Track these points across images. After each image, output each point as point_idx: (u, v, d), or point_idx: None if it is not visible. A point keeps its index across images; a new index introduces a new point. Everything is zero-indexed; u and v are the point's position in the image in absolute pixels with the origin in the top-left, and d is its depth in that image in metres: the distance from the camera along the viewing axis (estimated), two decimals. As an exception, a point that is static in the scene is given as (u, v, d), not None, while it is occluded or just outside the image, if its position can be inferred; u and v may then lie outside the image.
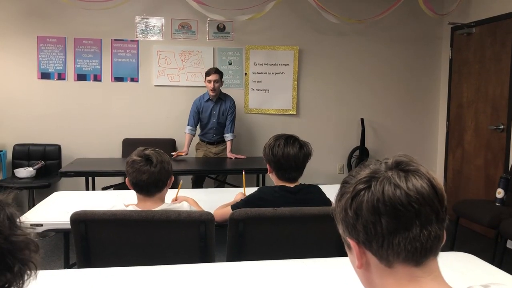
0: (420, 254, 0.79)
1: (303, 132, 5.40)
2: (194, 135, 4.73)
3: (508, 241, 3.69)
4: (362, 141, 5.39)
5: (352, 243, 0.83)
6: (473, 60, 4.98)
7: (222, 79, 4.64)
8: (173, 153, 4.54)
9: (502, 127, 4.53)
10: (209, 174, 4.77)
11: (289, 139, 2.17)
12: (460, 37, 5.17)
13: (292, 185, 2.16)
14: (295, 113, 5.38)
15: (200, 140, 4.83)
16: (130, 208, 2.01)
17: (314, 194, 2.16)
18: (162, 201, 2.07)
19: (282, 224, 1.96)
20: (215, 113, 4.69)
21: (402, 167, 0.82)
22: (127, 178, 2.03)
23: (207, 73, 4.57)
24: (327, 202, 2.17)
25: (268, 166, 2.23)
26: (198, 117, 4.70)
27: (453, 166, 5.32)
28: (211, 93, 4.59)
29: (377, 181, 0.79)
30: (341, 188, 0.87)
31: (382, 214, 0.77)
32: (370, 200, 0.78)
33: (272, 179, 2.24)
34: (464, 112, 5.12)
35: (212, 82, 4.51)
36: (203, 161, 4.64)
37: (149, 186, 1.99)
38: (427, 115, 5.65)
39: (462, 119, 5.16)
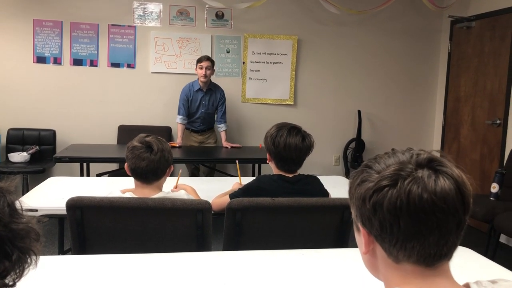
0: (433, 259, 0.76)
1: (299, 122, 5.32)
2: (185, 124, 4.67)
3: (501, 235, 3.71)
4: (358, 133, 5.38)
5: (362, 231, 0.80)
6: (472, 54, 4.96)
7: (214, 68, 4.59)
8: (171, 142, 4.51)
9: (498, 122, 4.53)
10: (204, 163, 4.75)
11: (292, 130, 2.11)
12: (459, 31, 5.15)
13: (291, 175, 2.13)
14: (292, 103, 5.36)
15: (186, 128, 4.76)
16: (127, 194, 1.99)
17: (313, 185, 2.15)
18: (160, 189, 2.05)
19: (280, 214, 1.95)
20: (204, 103, 4.63)
21: (434, 166, 0.76)
22: (126, 163, 2.01)
23: (199, 60, 4.50)
24: (325, 193, 2.16)
25: (268, 155, 2.18)
26: (188, 106, 4.63)
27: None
28: (203, 80, 4.51)
29: (404, 180, 0.74)
30: (361, 172, 0.81)
31: (403, 216, 0.73)
32: (393, 200, 0.73)
33: (271, 167, 2.20)
34: (461, 106, 5.12)
35: (204, 69, 4.43)
36: (198, 150, 4.62)
37: (147, 174, 1.97)
38: (424, 108, 5.65)
39: (459, 113, 5.16)
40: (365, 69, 5.48)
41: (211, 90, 4.66)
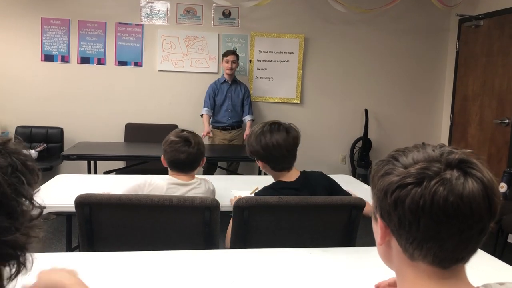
0: (449, 262, 0.73)
1: (306, 121, 5.38)
2: (211, 116, 4.78)
3: (510, 235, 3.68)
4: (365, 132, 5.37)
5: (380, 223, 0.78)
6: (480, 53, 4.93)
7: (238, 62, 4.79)
8: (202, 134, 4.56)
9: (507, 121, 4.51)
10: (225, 160, 4.79)
11: (273, 126, 2.00)
12: (467, 30, 5.12)
13: (292, 178, 2.02)
14: (299, 102, 5.36)
15: (213, 127, 4.82)
16: (167, 178, 2.12)
17: (319, 188, 2.05)
18: (194, 177, 2.19)
19: (287, 212, 1.95)
20: (230, 95, 4.78)
21: (464, 168, 0.73)
22: (163, 156, 2.17)
23: (225, 54, 4.71)
24: (333, 191, 2.08)
25: (259, 162, 2.05)
26: (213, 100, 4.77)
27: (455, 159, 5.31)
28: (228, 72, 4.71)
29: (430, 180, 0.70)
30: (387, 162, 0.78)
31: (423, 217, 0.70)
32: (416, 199, 0.70)
33: (268, 173, 2.10)
34: (469, 105, 5.09)
35: (230, 63, 4.67)
36: (218, 148, 4.63)
37: (185, 165, 2.14)
38: (431, 107, 5.62)
39: (466, 112, 5.14)
40: (372, 67, 5.46)
41: (236, 82, 4.85)
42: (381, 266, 1.68)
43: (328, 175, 2.18)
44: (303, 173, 2.07)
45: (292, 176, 2.04)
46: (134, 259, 1.63)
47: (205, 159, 2.24)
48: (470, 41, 5.10)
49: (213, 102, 4.79)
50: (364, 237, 2.70)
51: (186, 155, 2.11)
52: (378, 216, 0.78)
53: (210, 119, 4.80)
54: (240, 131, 4.84)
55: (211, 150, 4.57)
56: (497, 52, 4.68)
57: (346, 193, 2.12)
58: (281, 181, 2.03)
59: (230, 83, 4.79)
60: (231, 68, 4.69)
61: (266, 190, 2.01)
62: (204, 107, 4.79)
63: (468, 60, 5.13)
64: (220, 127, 4.80)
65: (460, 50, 5.28)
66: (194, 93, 5.12)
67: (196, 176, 2.22)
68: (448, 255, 0.72)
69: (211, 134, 4.67)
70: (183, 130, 2.22)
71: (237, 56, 4.75)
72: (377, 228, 0.80)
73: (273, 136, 1.96)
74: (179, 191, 2.08)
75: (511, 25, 4.49)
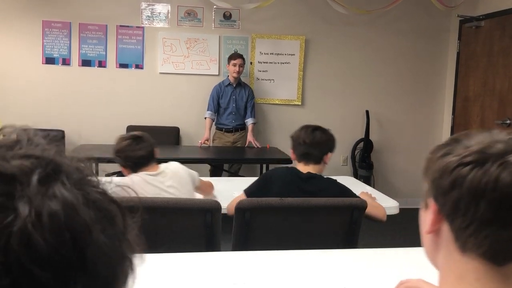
0: (504, 257, 0.66)
1: (307, 122, 5.32)
2: (214, 120, 4.79)
3: None
4: (366, 133, 5.36)
5: (433, 206, 0.72)
6: (481, 53, 4.93)
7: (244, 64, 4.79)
8: (200, 141, 4.62)
9: (508, 122, 4.50)
10: (224, 163, 4.78)
11: (310, 127, 2.35)
12: (468, 30, 5.12)
13: (305, 171, 2.21)
14: (300, 103, 5.36)
15: (217, 129, 4.84)
16: (141, 175, 2.19)
17: (327, 192, 2.11)
18: (158, 166, 2.29)
19: (289, 214, 1.95)
20: (234, 98, 4.77)
21: None
22: (122, 166, 2.28)
23: (232, 57, 4.69)
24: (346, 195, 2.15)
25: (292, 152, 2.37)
26: (217, 102, 4.76)
27: (457, 160, 5.30)
28: (235, 76, 4.70)
29: (493, 162, 0.65)
30: (447, 144, 0.73)
31: (483, 200, 0.64)
32: (477, 180, 0.65)
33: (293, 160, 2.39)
34: (470, 106, 5.09)
35: (237, 66, 4.65)
36: (219, 150, 4.63)
37: (149, 159, 2.24)
38: (432, 108, 5.62)
39: (467, 113, 5.13)
40: (373, 69, 5.46)
41: (240, 85, 4.84)
42: (384, 267, 1.68)
43: (331, 176, 2.23)
44: (318, 175, 2.22)
45: (306, 169, 2.23)
46: (135, 262, 1.63)
47: (157, 149, 2.35)
48: (471, 41, 5.10)
49: (217, 104, 4.78)
50: (366, 238, 2.70)
51: (144, 151, 2.23)
52: (431, 199, 0.72)
53: (213, 122, 4.81)
54: (243, 133, 4.84)
55: (214, 152, 4.57)
56: (498, 52, 4.68)
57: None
58: (295, 168, 2.24)
59: (234, 85, 4.79)
60: (238, 72, 4.68)
61: (279, 168, 2.30)
62: (207, 110, 4.79)
63: (469, 61, 5.13)
64: (224, 129, 4.81)
65: (461, 51, 5.27)
66: (195, 95, 5.12)
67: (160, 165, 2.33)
68: (505, 247, 0.65)
69: (208, 143, 4.67)
70: (124, 134, 2.41)
71: (243, 59, 4.75)
72: (426, 215, 0.74)
73: (303, 132, 2.31)
74: (160, 179, 2.21)
75: (512, 26, 4.49)
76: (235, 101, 4.77)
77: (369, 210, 2.12)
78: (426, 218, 0.73)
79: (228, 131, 4.79)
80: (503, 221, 0.64)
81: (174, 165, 2.36)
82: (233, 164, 4.80)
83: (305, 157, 2.27)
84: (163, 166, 2.31)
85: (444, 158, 0.70)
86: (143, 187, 2.15)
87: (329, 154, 2.30)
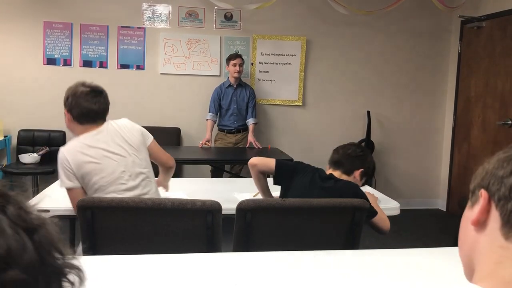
0: None
1: (308, 123, 5.38)
2: (215, 121, 4.80)
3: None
4: (367, 134, 5.35)
5: (484, 194, 0.71)
6: (482, 54, 4.92)
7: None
8: (201, 142, 4.63)
9: (510, 122, 4.49)
10: (225, 163, 4.78)
11: (350, 143, 2.46)
12: (470, 31, 5.11)
13: (328, 172, 2.29)
14: (301, 104, 5.35)
15: (219, 130, 4.85)
16: (81, 138, 2.10)
17: (341, 192, 2.16)
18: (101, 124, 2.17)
19: (291, 215, 1.95)
20: (235, 99, 4.77)
21: None
22: (68, 112, 2.16)
23: (232, 58, 4.69)
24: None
25: None
26: (219, 104, 4.77)
27: (458, 161, 5.29)
28: (236, 76, 4.70)
29: None
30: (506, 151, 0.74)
31: None
32: None
33: None
34: (472, 106, 5.08)
35: (237, 66, 4.65)
36: (220, 151, 4.62)
37: (94, 115, 2.13)
38: (434, 109, 5.61)
39: (469, 114, 5.12)
40: (374, 69, 5.46)
41: (241, 85, 4.83)
42: (385, 269, 1.67)
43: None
44: (335, 181, 2.25)
45: (328, 171, 2.33)
46: (136, 263, 1.63)
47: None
48: (473, 42, 5.09)
49: (218, 106, 4.78)
50: (368, 239, 2.70)
51: (99, 105, 2.12)
52: (482, 191, 0.72)
53: (215, 124, 4.81)
54: (245, 134, 4.84)
55: (216, 153, 4.57)
56: (499, 53, 4.67)
57: (369, 211, 2.18)
58: (323, 169, 2.34)
59: (235, 86, 4.78)
60: (239, 72, 4.68)
61: (309, 164, 2.37)
62: (209, 112, 4.80)
63: (471, 62, 5.12)
64: (226, 130, 4.81)
65: (463, 52, 5.26)
66: (196, 96, 5.12)
67: (128, 122, 2.26)
68: None
69: (210, 144, 4.68)
70: (85, 81, 2.21)
71: (242, 59, 4.75)
72: (471, 209, 0.74)
73: (342, 145, 2.41)
74: (102, 138, 2.11)
75: (514, 26, 4.48)
76: (236, 102, 4.77)
77: (376, 220, 2.18)
78: (473, 211, 0.73)
79: (230, 132, 4.79)
80: None
81: (121, 121, 2.22)
82: (235, 165, 4.80)
83: (335, 165, 2.34)
84: (108, 123, 2.18)
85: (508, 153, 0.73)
86: (85, 151, 2.06)
87: (361, 170, 2.32)
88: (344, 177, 2.28)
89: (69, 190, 2.08)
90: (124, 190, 2.08)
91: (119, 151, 2.11)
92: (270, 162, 2.32)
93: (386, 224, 2.24)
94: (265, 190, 2.38)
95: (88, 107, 2.10)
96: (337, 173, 2.29)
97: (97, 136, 2.11)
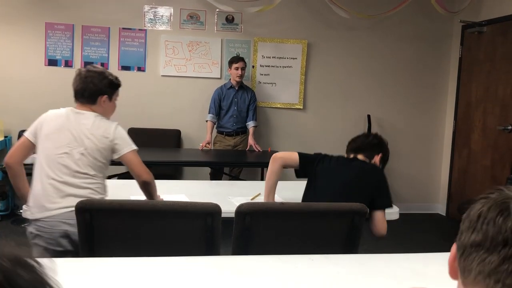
0: (495, 285, 0.69)
1: (308, 127, 5.38)
2: (215, 122, 4.79)
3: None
4: (368, 138, 5.34)
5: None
6: (483, 59, 4.93)
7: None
8: (201, 144, 4.63)
9: (510, 127, 4.49)
10: (225, 166, 4.77)
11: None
12: (470, 36, 5.11)
13: (350, 156, 2.49)
14: (301, 107, 5.35)
15: (218, 132, 4.84)
16: (66, 109, 2.36)
17: (367, 175, 2.33)
18: (91, 110, 2.36)
19: (290, 218, 1.95)
20: (236, 101, 4.76)
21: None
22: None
23: (234, 61, 4.69)
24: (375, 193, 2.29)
25: None
26: (219, 105, 4.76)
27: (459, 166, 5.29)
28: (238, 79, 4.70)
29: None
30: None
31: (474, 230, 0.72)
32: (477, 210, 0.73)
33: None
34: (472, 111, 5.08)
35: (239, 69, 4.65)
36: (220, 154, 4.62)
37: (77, 94, 2.37)
38: (434, 113, 5.61)
39: (469, 119, 5.12)
40: (375, 73, 5.46)
41: (243, 88, 4.83)
42: (384, 273, 1.67)
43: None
44: (362, 162, 2.43)
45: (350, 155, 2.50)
46: (134, 265, 1.62)
47: (104, 97, 2.35)
48: (473, 47, 5.10)
49: (219, 107, 4.78)
50: (367, 243, 2.69)
51: (81, 85, 2.31)
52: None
53: (215, 125, 4.81)
54: (244, 137, 4.82)
55: (215, 155, 4.57)
56: (500, 58, 4.67)
57: (385, 202, 2.32)
58: (342, 156, 2.50)
59: (237, 88, 4.78)
60: (241, 75, 4.68)
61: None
62: (209, 113, 4.79)
63: (471, 66, 5.12)
64: (224, 133, 4.80)
65: (463, 56, 5.27)
66: (197, 98, 5.12)
67: (107, 121, 2.35)
68: (494, 278, 0.70)
69: (210, 146, 4.68)
70: (90, 67, 2.43)
71: (245, 62, 4.74)
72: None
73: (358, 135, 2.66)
74: (82, 120, 2.27)
75: (515, 32, 4.49)
76: (237, 104, 4.76)
77: (382, 216, 2.29)
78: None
79: (228, 134, 4.79)
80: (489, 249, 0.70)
81: (113, 125, 2.34)
82: (234, 167, 4.80)
83: (356, 151, 2.50)
84: (97, 115, 2.31)
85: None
86: (55, 119, 2.30)
87: (380, 155, 2.50)
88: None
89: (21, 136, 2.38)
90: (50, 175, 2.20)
91: (87, 142, 2.23)
92: (293, 155, 2.46)
93: (384, 226, 2.29)
94: (273, 187, 2.45)
95: (73, 86, 2.37)
96: (358, 157, 2.46)
97: (78, 115, 2.31)
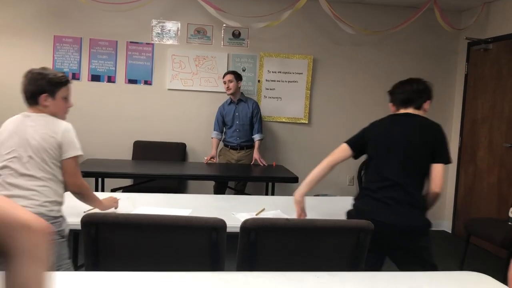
0: None
1: (314, 141, 5.37)
2: (220, 139, 4.83)
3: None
4: (373, 153, 5.33)
5: None
6: (489, 76, 4.93)
7: (240, 81, 4.73)
8: (206, 158, 4.68)
9: (516, 145, 4.47)
10: (230, 180, 4.76)
11: (410, 79, 2.58)
12: (476, 53, 5.12)
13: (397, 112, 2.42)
14: (306, 122, 5.36)
15: (224, 145, 4.87)
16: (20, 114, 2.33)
17: (429, 129, 2.32)
18: (40, 111, 2.35)
19: (295, 235, 1.94)
20: (237, 115, 4.77)
21: None
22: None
23: (223, 76, 4.72)
24: (435, 149, 2.31)
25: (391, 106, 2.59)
26: (222, 122, 4.80)
27: (464, 183, 5.26)
28: (228, 93, 4.71)
29: None
30: None
31: None
32: None
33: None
34: (478, 128, 5.07)
35: (227, 82, 4.65)
36: (225, 167, 4.62)
37: (26, 96, 2.37)
38: (440, 129, 5.59)
39: (475, 135, 5.11)
40: (381, 89, 5.45)
41: (242, 101, 4.81)
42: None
43: (336, 197, 2.24)
44: (417, 118, 2.41)
45: (400, 111, 2.47)
46: (139, 279, 1.62)
47: (44, 96, 2.31)
48: (479, 64, 5.10)
49: (222, 124, 4.82)
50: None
51: (22, 87, 2.35)
52: None
53: (220, 141, 4.84)
54: (248, 152, 4.81)
55: (219, 169, 4.56)
56: (506, 75, 4.67)
57: (444, 157, 2.33)
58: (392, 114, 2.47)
59: (236, 102, 4.79)
60: (228, 88, 4.67)
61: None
62: (214, 130, 4.84)
63: (477, 83, 5.12)
64: (229, 146, 4.82)
65: (469, 73, 5.27)
66: (203, 112, 5.15)
67: (57, 121, 2.34)
68: None
69: (215, 160, 4.71)
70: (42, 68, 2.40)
71: (235, 74, 4.70)
72: None
73: (402, 83, 2.61)
74: (29, 123, 2.27)
75: (521, 49, 4.49)
76: (238, 117, 4.77)
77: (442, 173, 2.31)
78: None
79: (233, 148, 4.80)
80: None
81: (62, 125, 2.34)
82: (239, 182, 4.79)
83: (405, 103, 2.43)
84: (46, 116, 2.30)
85: None
86: (8, 125, 2.30)
87: (428, 102, 2.48)
88: (417, 112, 2.41)
89: None
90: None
91: (35, 144, 2.23)
92: (339, 147, 2.58)
93: (440, 183, 2.34)
94: (310, 183, 2.51)
95: (22, 88, 2.38)
96: (409, 111, 2.41)
97: (26, 118, 2.32)
